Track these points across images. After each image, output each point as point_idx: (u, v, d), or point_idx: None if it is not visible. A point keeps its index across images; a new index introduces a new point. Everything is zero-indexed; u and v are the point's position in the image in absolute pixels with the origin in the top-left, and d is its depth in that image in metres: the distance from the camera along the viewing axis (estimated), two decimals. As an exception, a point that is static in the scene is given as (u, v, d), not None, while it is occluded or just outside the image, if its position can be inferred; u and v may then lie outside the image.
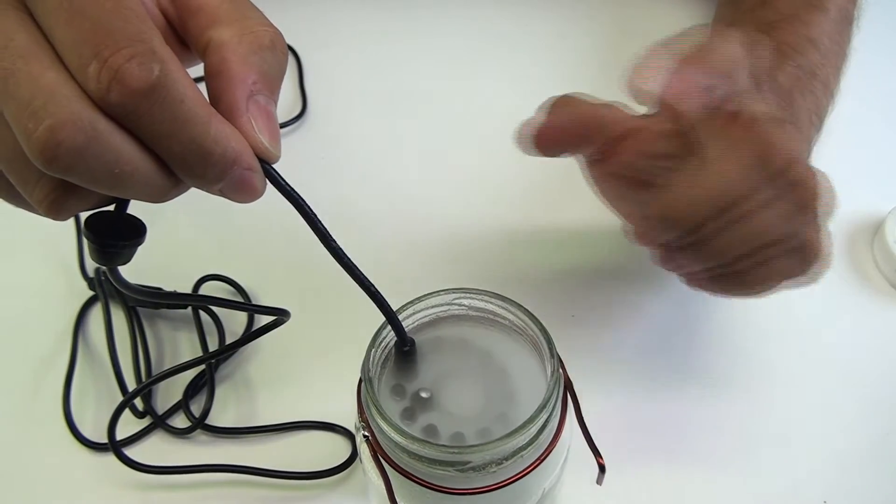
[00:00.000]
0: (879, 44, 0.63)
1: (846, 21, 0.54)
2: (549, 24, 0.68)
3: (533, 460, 0.29)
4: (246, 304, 0.42)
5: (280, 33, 0.26)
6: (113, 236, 0.25)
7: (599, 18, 0.68)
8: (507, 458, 0.28)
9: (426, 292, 0.32)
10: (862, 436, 0.44)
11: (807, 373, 0.46)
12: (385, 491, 0.30)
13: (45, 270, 0.51)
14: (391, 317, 0.30)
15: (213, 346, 0.47)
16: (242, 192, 0.25)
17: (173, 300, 0.47)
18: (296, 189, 0.27)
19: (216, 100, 0.25)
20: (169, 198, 0.25)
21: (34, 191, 0.23)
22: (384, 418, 0.28)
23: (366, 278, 0.29)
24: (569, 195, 0.56)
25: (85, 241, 0.26)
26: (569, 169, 0.57)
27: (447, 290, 0.32)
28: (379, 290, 0.30)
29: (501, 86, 0.64)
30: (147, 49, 0.21)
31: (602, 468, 0.32)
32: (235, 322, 0.49)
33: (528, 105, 0.62)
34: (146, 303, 0.48)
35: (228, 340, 0.48)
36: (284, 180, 0.26)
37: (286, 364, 0.46)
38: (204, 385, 0.45)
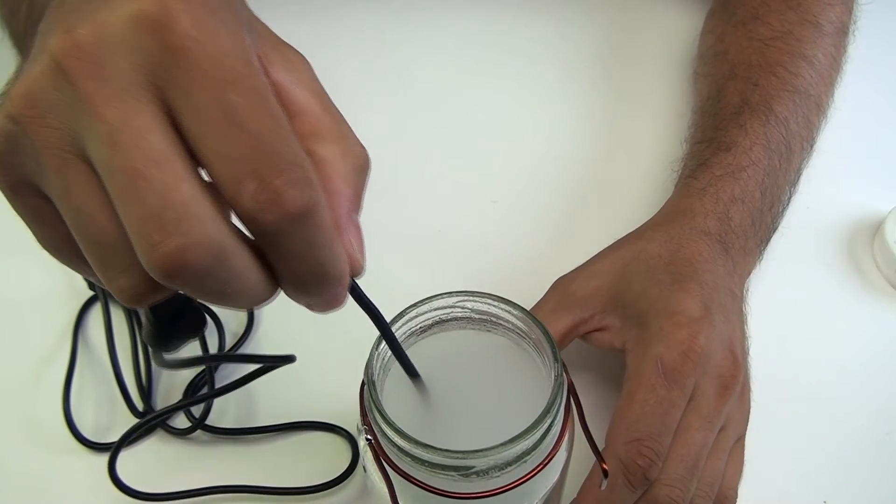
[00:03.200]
0: (879, 44, 0.62)
1: (841, 34, 0.54)
2: (550, 23, 0.68)
3: (536, 465, 0.29)
4: (252, 356, 0.42)
5: (368, 153, 0.26)
6: (176, 325, 0.25)
7: (600, 18, 0.68)
8: (510, 463, 0.28)
9: (429, 295, 0.32)
10: (862, 436, 0.44)
11: (807, 372, 0.46)
12: (388, 495, 0.30)
13: (46, 270, 0.51)
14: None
15: (213, 345, 0.47)
16: (331, 306, 0.25)
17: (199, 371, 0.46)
18: (374, 302, 0.27)
19: None
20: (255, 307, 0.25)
21: (118, 278, 0.22)
22: (387, 422, 0.28)
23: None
24: (572, 196, 0.56)
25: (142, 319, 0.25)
26: (571, 170, 0.57)
27: (450, 292, 0.32)
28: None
29: (502, 86, 0.64)
30: (305, 175, 0.21)
31: (605, 473, 0.32)
32: (236, 321, 0.49)
33: (528, 105, 0.62)
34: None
35: (228, 340, 0.48)
36: (365, 294, 0.26)
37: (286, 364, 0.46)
38: (204, 385, 0.45)
